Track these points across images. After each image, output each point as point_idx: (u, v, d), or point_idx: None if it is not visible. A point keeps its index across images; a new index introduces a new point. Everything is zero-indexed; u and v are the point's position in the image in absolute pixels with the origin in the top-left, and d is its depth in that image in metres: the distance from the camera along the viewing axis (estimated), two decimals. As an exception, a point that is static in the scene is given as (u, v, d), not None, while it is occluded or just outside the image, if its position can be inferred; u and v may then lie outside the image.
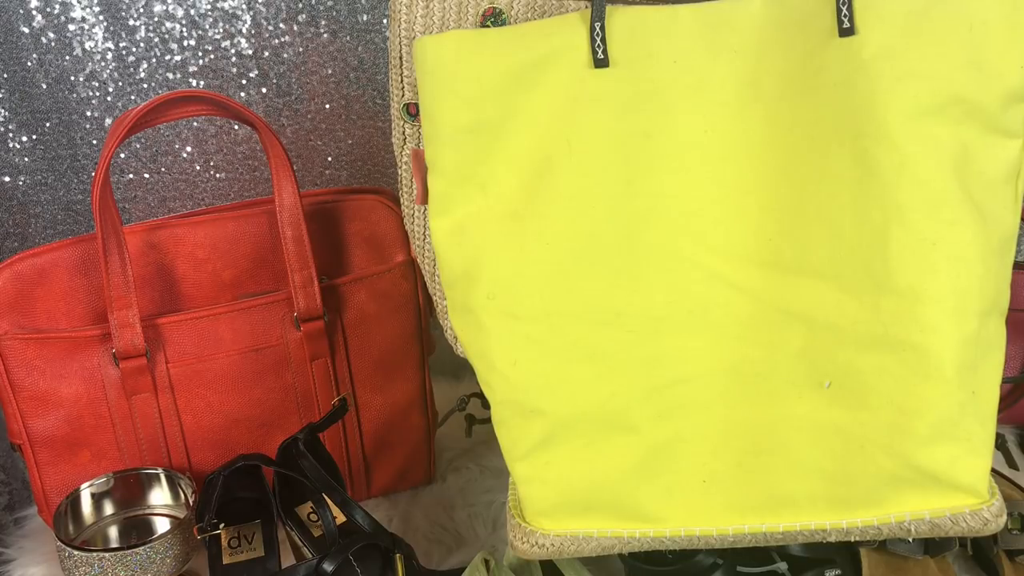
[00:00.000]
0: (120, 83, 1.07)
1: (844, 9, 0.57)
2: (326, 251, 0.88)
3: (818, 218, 0.60)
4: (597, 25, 0.60)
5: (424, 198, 0.68)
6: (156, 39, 1.06)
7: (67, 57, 1.06)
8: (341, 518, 0.81)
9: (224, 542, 0.82)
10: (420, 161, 0.72)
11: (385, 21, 1.08)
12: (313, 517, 0.84)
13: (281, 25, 1.07)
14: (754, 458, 0.63)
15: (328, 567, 0.72)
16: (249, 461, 0.81)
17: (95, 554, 0.77)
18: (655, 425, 0.64)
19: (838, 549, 0.73)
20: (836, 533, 0.63)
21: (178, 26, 1.06)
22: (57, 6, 1.04)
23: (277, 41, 1.08)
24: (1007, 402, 0.97)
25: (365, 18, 1.08)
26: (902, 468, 0.61)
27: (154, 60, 1.07)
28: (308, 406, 0.88)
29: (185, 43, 1.07)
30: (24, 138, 1.08)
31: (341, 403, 0.84)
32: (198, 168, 1.12)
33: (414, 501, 0.94)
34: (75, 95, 1.07)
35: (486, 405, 0.70)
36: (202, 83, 1.09)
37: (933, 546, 0.73)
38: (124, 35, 1.06)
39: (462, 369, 1.13)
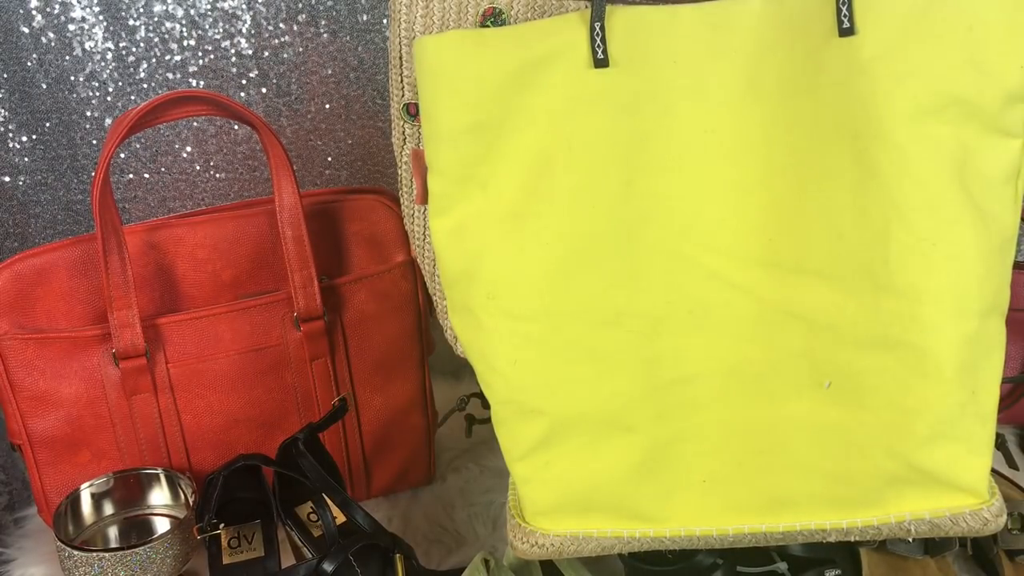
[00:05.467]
0: (120, 83, 1.07)
1: (844, 9, 0.57)
2: (326, 251, 0.88)
3: (818, 218, 0.60)
4: (597, 25, 0.60)
5: (424, 198, 0.68)
6: (156, 39, 1.06)
7: (67, 57, 1.06)
8: (341, 518, 0.81)
9: (224, 542, 0.82)
10: (420, 161, 0.72)
11: (385, 21, 1.08)
12: (313, 517, 0.84)
13: (281, 25, 1.07)
14: (754, 458, 0.63)
15: (328, 567, 0.72)
16: (249, 461, 0.81)
17: (95, 554, 0.77)
18: (655, 425, 0.64)
19: (838, 549, 0.73)
20: (836, 533, 0.63)
21: (178, 26, 1.06)
22: (57, 6, 1.04)
23: (277, 41, 1.08)
24: (1007, 402, 0.97)
25: (365, 18, 1.08)
26: (902, 468, 0.61)
27: (154, 60, 1.07)
28: (308, 406, 0.88)
29: (185, 43, 1.07)
30: (24, 138, 1.08)
31: (341, 403, 0.84)
32: (198, 168, 1.12)
33: (414, 501, 0.94)
34: (75, 95, 1.07)
35: (486, 405, 0.70)
36: (202, 83, 1.09)
37: (933, 546, 0.73)
38: (124, 35, 1.06)
39: (462, 369, 1.13)
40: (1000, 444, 0.92)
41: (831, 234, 0.59)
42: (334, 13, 1.07)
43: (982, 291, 0.59)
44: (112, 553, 0.77)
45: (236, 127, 1.10)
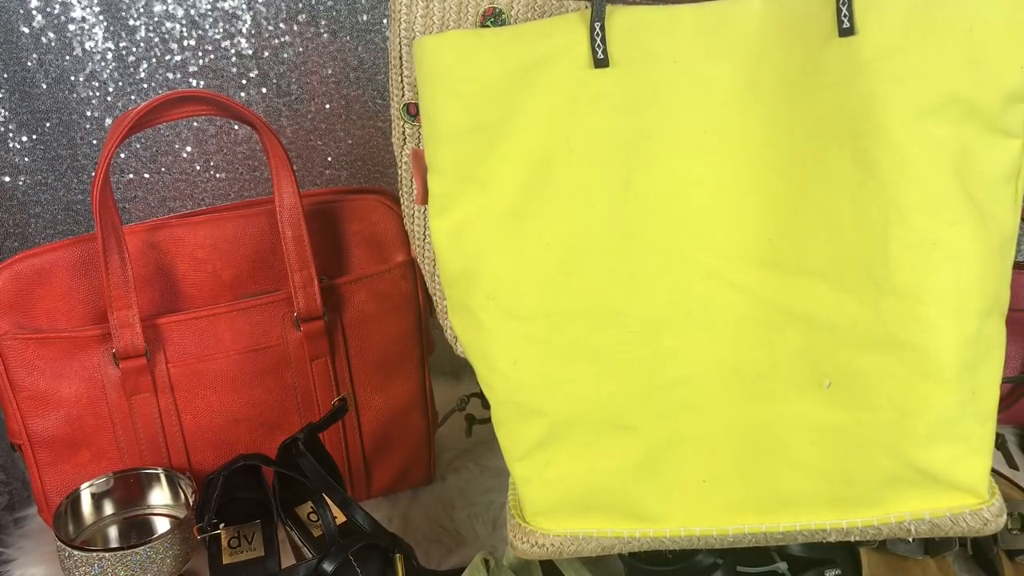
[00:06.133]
0: (120, 83, 1.07)
1: (844, 9, 0.57)
2: (326, 251, 0.88)
3: (818, 218, 0.60)
4: (597, 25, 0.60)
5: (424, 198, 0.68)
6: (156, 39, 1.06)
7: (67, 57, 1.06)
8: (341, 518, 0.81)
9: (224, 542, 0.82)
10: (420, 161, 0.72)
11: (385, 21, 1.08)
12: (313, 517, 0.84)
13: (281, 25, 1.07)
14: (754, 458, 0.63)
15: (328, 567, 0.72)
16: (249, 461, 0.81)
17: (95, 554, 0.77)
18: (655, 425, 0.64)
19: (838, 549, 0.73)
20: (836, 533, 0.63)
21: (178, 26, 1.06)
22: (57, 6, 1.04)
23: (277, 41, 1.08)
24: (1007, 402, 0.97)
25: (365, 18, 1.08)
26: (902, 468, 0.61)
27: (154, 60, 1.07)
28: (308, 406, 0.88)
29: (185, 43, 1.07)
30: (24, 138, 1.08)
31: (341, 403, 0.84)
32: (198, 168, 1.12)
33: (414, 501, 0.94)
34: (75, 95, 1.07)
35: (486, 405, 0.70)
36: (202, 83, 1.09)
37: (933, 546, 0.73)
38: (124, 35, 1.06)
39: (462, 369, 1.13)
40: (1000, 444, 0.92)
41: (831, 234, 0.59)
42: (334, 13, 1.07)
43: (982, 291, 0.59)
44: (112, 553, 0.77)
45: (236, 127, 1.11)
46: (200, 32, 1.07)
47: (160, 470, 0.86)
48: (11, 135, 1.08)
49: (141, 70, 1.07)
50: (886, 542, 0.73)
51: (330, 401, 0.88)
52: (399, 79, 0.74)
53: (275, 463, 0.82)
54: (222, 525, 0.79)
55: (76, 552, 0.77)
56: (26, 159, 1.09)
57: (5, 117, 1.07)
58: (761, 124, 0.60)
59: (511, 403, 0.65)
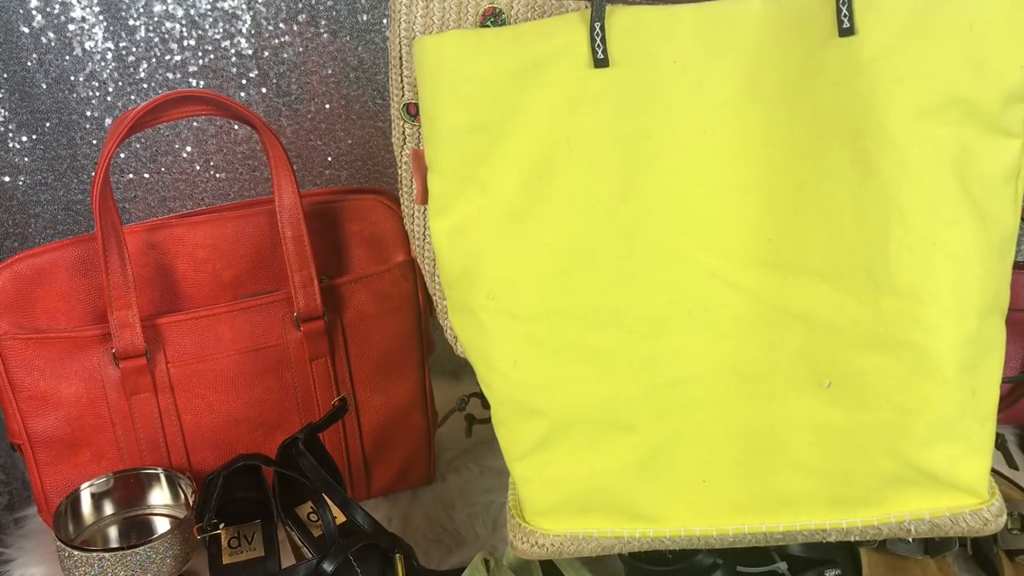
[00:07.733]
0: (120, 83, 1.07)
1: (844, 9, 0.57)
2: (326, 251, 0.88)
3: (818, 218, 0.60)
4: (597, 25, 0.60)
5: (424, 198, 0.68)
6: (156, 39, 1.06)
7: (67, 57, 1.06)
8: (341, 518, 0.81)
9: (224, 542, 0.82)
10: (420, 161, 0.72)
11: (385, 21, 1.08)
12: (313, 517, 0.84)
13: (281, 25, 1.07)
14: (754, 458, 0.63)
15: (328, 567, 0.72)
16: (249, 461, 0.81)
17: (95, 554, 0.77)
18: (655, 425, 0.64)
19: (838, 549, 0.73)
20: (836, 533, 0.63)
21: (178, 26, 1.06)
22: (57, 6, 1.04)
23: (277, 41, 1.08)
24: (1007, 402, 0.97)
25: (365, 18, 1.08)
26: (902, 468, 0.61)
27: (154, 60, 1.07)
28: (308, 406, 0.88)
29: (185, 43, 1.07)
30: (24, 138, 1.08)
31: (341, 403, 0.84)
32: (198, 168, 1.12)
33: (414, 501, 0.94)
34: (75, 95, 1.07)
35: (486, 405, 0.70)
36: (202, 83, 1.09)
37: (933, 546, 0.73)
38: (124, 35, 1.06)
39: (462, 369, 1.13)
40: (1000, 444, 0.92)
41: (831, 234, 0.59)
42: (334, 13, 1.07)
43: (982, 291, 0.59)
44: (112, 553, 0.77)
45: (236, 127, 1.11)
46: (200, 32, 1.07)
47: (160, 470, 0.86)
48: (11, 135, 1.08)
49: (141, 70, 1.07)
50: (886, 542, 0.73)
51: (330, 401, 0.88)
52: (399, 79, 0.74)
53: (275, 463, 0.82)
54: (222, 525, 0.79)
55: (76, 552, 0.77)
56: (26, 159, 1.09)
57: (5, 117, 1.07)
58: (761, 124, 0.60)
59: (511, 403, 0.65)
